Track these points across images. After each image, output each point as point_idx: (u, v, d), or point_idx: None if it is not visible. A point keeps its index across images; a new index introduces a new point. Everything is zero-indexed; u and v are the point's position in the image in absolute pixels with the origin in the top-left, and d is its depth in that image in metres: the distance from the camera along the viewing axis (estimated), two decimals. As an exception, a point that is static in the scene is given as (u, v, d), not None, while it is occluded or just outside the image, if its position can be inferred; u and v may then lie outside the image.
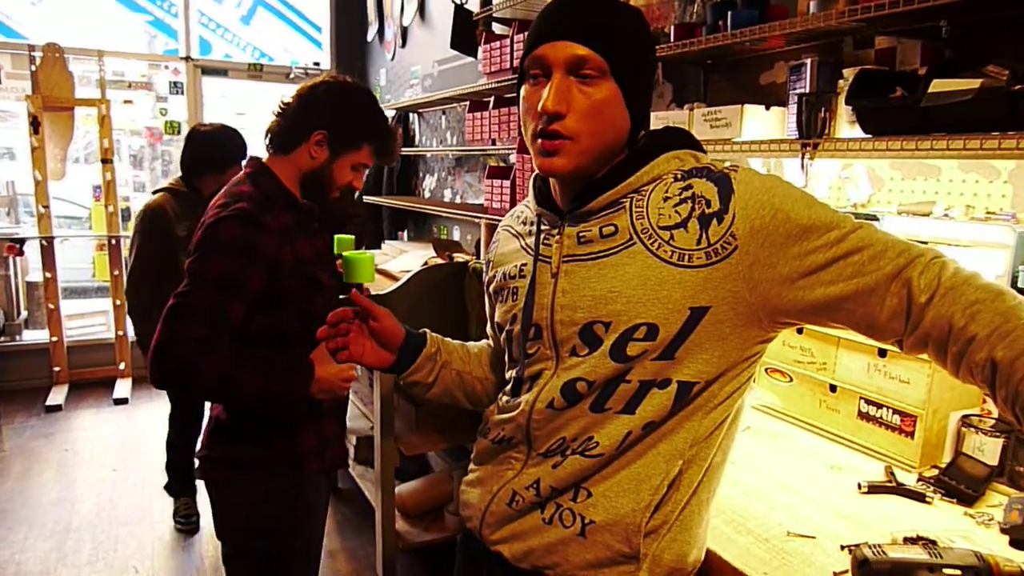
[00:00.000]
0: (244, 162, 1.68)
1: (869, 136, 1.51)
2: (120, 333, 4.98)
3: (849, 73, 1.59)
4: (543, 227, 1.06)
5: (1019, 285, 1.38)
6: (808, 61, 1.69)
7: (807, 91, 1.67)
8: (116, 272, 4.91)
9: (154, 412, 4.57)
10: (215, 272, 1.45)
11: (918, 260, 0.83)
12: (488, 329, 1.28)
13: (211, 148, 2.88)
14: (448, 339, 1.27)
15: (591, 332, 0.95)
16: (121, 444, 4.07)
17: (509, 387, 1.10)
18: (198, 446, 1.70)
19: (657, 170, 0.96)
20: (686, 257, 0.90)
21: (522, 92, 0.99)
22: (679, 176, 0.95)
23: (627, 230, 0.95)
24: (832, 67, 1.69)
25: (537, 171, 1.01)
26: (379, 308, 1.16)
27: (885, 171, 1.70)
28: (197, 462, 1.68)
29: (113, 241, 4.87)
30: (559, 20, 0.93)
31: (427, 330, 1.23)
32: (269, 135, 1.65)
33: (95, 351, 5.11)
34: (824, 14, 1.54)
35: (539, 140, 0.95)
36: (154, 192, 3.03)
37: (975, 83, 1.27)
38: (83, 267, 5.84)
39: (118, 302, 4.92)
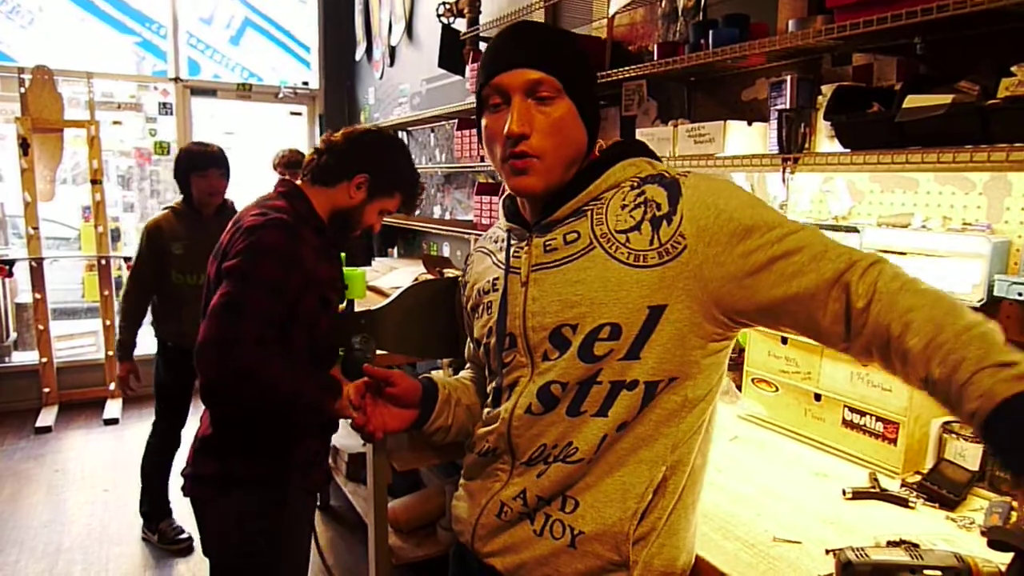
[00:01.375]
0: (277, 183, 1.76)
1: (848, 150, 1.55)
2: (110, 353, 4.95)
3: (828, 89, 1.64)
4: (513, 241, 1.11)
5: (995, 294, 1.42)
6: (788, 78, 1.74)
7: (787, 107, 1.72)
8: (106, 292, 4.90)
9: (144, 432, 4.52)
10: (266, 275, 1.48)
11: (858, 264, 0.86)
12: (468, 347, 1.31)
13: (188, 151, 2.99)
14: (445, 377, 1.29)
15: (560, 335, 0.99)
16: (112, 464, 4.04)
17: (490, 399, 1.13)
18: (184, 464, 1.70)
19: (614, 178, 1.02)
20: (641, 258, 0.95)
21: (484, 122, 1.04)
22: (635, 184, 1.00)
23: (588, 235, 1.00)
24: (811, 83, 1.74)
25: (510, 191, 1.07)
26: (393, 372, 1.19)
27: (865, 184, 1.74)
28: (182, 480, 1.68)
29: (103, 261, 4.87)
30: (512, 50, 1.00)
31: (431, 375, 1.25)
32: (310, 166, 1.74)
33: (85, 372, 5.09)
34: (803, 32, 1.58)
35: (508, 162, 1.00)
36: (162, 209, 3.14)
37: (947, 99, 1.32)
38: (72, 287, 5.82)
39: (108, 322, 4.90)
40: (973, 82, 1.35)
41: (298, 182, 1.76)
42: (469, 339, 1.28)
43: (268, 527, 1.64)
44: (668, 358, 0.95)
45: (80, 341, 5.36)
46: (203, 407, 1.67)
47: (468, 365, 1.35)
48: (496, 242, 1.18)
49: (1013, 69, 1.26)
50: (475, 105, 1.08)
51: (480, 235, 3.05)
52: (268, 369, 1.43)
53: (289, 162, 4.04)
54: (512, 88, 0.98)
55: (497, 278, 1.11)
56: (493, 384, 1.13)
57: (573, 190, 1.03)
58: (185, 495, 1.67)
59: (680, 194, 0.95)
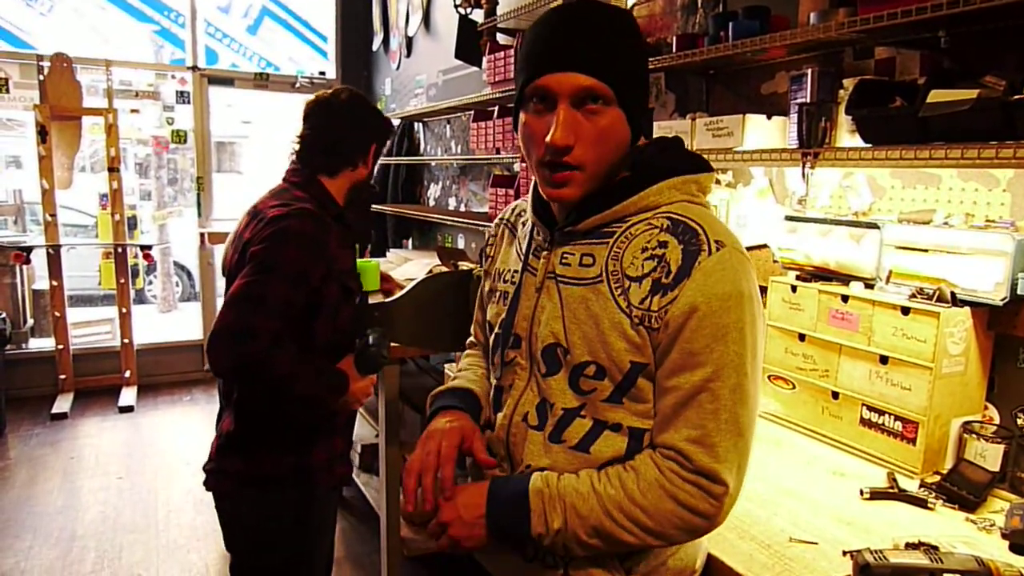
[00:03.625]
0: (286, 174, 1.76)
1: (869, 145, 1.52)
2: (126, 341, 5.00)
3: (849, 83, 1.61)
4: (536, 237, 1.07)
5: (1019, 292, 1.39)
6: (808, 71, 1.71)
7: (808, 101, 1.69)
8: (122, 280, 4.94)
9: (159, 420, 4.59)
10: (289, 263, 1.47)
11: (669, 452, 0.90)
12: (474, 324, 1.29)
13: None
14: (468, 387, 1.18)
15: (554, 353, 0.98)
16: (126, 452, 4.08)
17: (492, 395, 1.12)
18: (205, 459, 1.70)
19: (650, 200, 0.96)
20: (633, 313, 0.91)
21: (522, 118, 0.97)
22: (667, 226, 0.93)
23: (600, 267, 0.95)
24: (832, 77, 1.71)
25: (545, 198, 1.01)
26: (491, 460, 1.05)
27: (886, 180, 1.71)
28: (204, 475, 1.68)
29: (119, 249, 4.90)
30: (564, 49, 0.90)
31: (464, 396, 1.16)
32: (321, 159, 1.72)
33: (101, 359, 5.14)
34: (824, 25, 1.55)
35: (546, 171, 0.94)
36: None
37: (972, 93, 1.29)
38: (89, 275, 5.88)
39: (124, 310, 4.95)
40: (998, 77, 1.32)
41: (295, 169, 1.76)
42: (480, 318, 1.26)
43: (295, 524, 1.64)
44: (652, 408, 0.94)
45: (96, 328, 5.41)
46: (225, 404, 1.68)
47: (471, 349, 1.31)
48: (524, 225, 1.13)
49: (1042, 64, 1.23)
50: (514, 94, 0.99)
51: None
52: (279, 368, 1.43)
53: None
54: (560, 93, 0.90)
55: (516, 271, 1.08)
56: (494, 380, 1.11)
57: (604, 200, 0.97)
58: (208, 489, 1.66)
59: (688, 275, 0.89)
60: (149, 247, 5.22)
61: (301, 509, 1.64)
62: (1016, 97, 1.25)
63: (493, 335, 1.11)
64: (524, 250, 1.07)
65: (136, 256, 5.43)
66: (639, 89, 0.96)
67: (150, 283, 7.81)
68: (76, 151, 4.81)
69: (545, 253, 1.02)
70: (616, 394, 0.93)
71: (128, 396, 4.87)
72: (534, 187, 1.10)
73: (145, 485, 3.65)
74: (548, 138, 0.90)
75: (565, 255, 0.99)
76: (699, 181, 0.98)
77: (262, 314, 1.42)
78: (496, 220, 1.23)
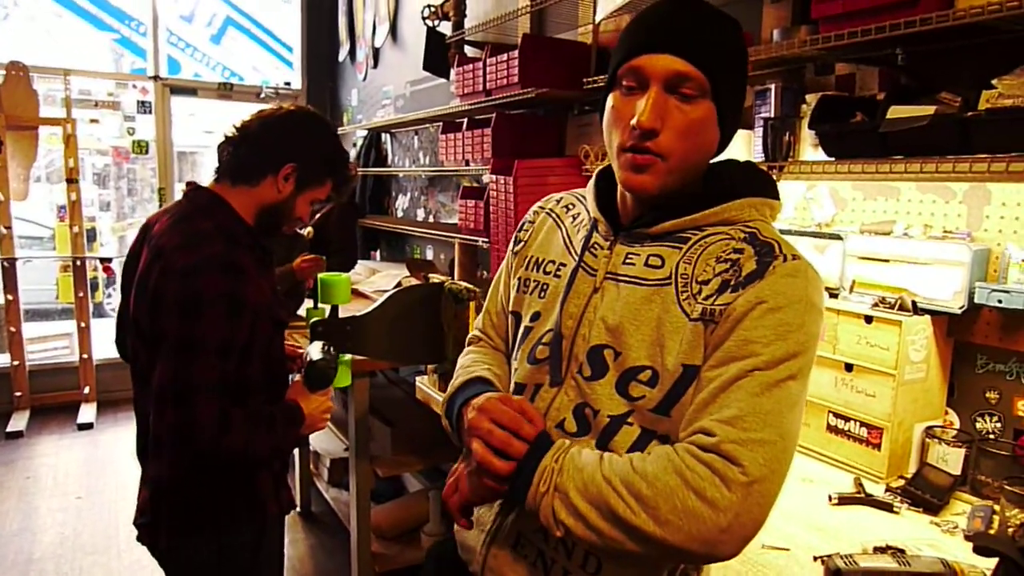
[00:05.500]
0: (187, 190, 1.55)
1: (832, 159, 1.57)
2: (85, 356, 4.87)
3: (812, 98, 1.66)
4: (595, 234, 1.02)
5: (976, 301, 1.44)
6: (772, 86, 1.76)
7: (772, 115, 1.74)
8: (81, 293, 4.82)
9: (120, 437, 4.48)
10: (214, 338, 1.35)
11: (705, 440, 0.80)
12: (484, 317, 1.21)
13: None
14: (490, 379, 1.09)
15: (600, 356, 0.93)
16: (86, 471, 3.97)
17: (512, 392, 1.05)
18: (135, 513, 1.57)
19: (729, 214, 0.93)
20: (695, 310, 0.87)
21: (610, 101, 0.94)
22: (746, 238, 0.90)
23: (670, 269, 0.91)
24: (795, 92, 1.76)
25: (620, 186, 0.97)
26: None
27: (847, 192, 1.76)
28: (137, 530, 1.55)
29: (78, 262, 4.79)
30: (663, 31, 0.88)
31: (491, 386, 1.07)
32: (226, 164, 1.54)
33: (58, 375, 5.00)
34: (787, 43, 1.60)
35: (628, 154, 0.90)
36: None
37: (930, 110, 1.34)
38: (46, 288, 5.71)
39: (82, 324, 4.82)
40: (954, 93, 1.37)
41: (208, 183, 1.56)
42: (498, 306, 1.18)
43: (248, 563, 1.55)
44: None
45: (54, 344, 5.27)
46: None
47: (476, 345, 1.20)
48: (575, 219, 1.07)
49: (994, 82, 1.28)
50: (606, 79, 0.95)
51: (465, 239, 3.04)
52: (233, 447, 1.36)
53: None
54: (652, 75, 0.87)
55: (564, 264, 1.03)
56: (515, 378, 1.05)
57: (680, 207, 0.93)
58: (145, 544, 1.53)
59: (761, 277, 0.85)
60: (109, 260, 5.10)
61: (253, 543, 1.55)
62: (971, 113, 1.30)
63: (523, 328, 1.05)
64: (579, 246, 1.02)
65: (95, 269, 5.30)
66: (735, 89, 0.93)
67: (109, 296, 7.63)
68: (33, 162, 4.69)
69: (606, 252, 0.98)
70: (664, 404, 0.88)
71: (87, 413, 4.75)
72: (595, 182, 1.07)
73: (105, 505, 3.56)
74: (634, 120, 0.87)
75: (629, 255, 0.95)
76: (772, 206, 0.96)
77: (199, 403, 1.32)
78: (535, 207, 1.17)
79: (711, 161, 0.99)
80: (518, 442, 0.89)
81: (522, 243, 1.14)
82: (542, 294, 1.04)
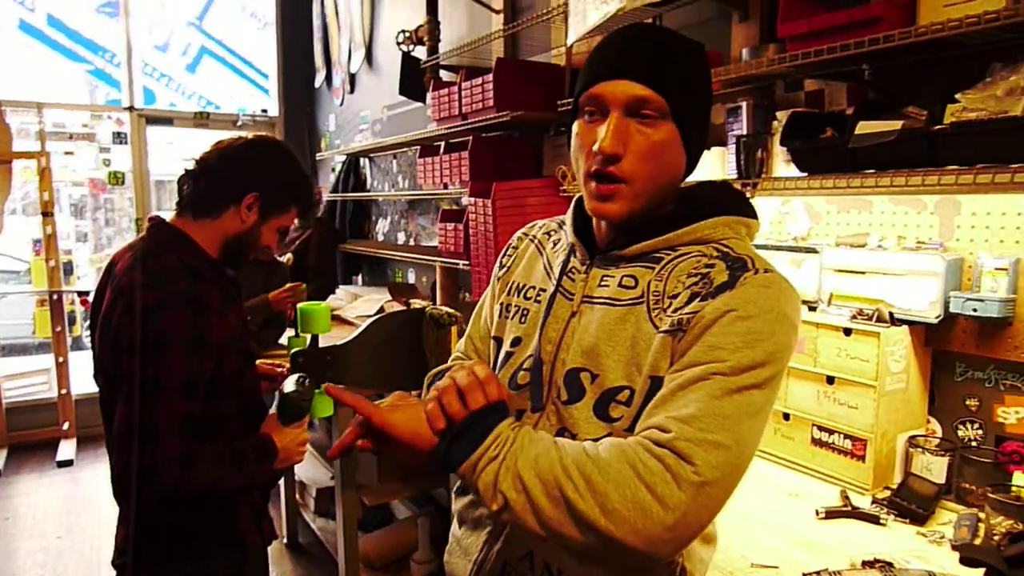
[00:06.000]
0: (149, 226, 1.53)
1: (804, 174, 1.59)
2: (63, 391, 4.79)
3: (782, 115, 1.68)
4: (572, 258, 1.02)
5: (951, 310, 1.46)
6: (743, 104, 1.78)
7: (744, 133, 1.76)
8: (58, 328, 4.74)
9: (100, 473, 4.40)
10: (178, 377, 1.33)
11: (660, 436, 0.78)
12: (467, 342, 1.20)
13: None
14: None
15: (577, 380, 0.93)
16: (66, 509, 3.89)
17: None
18: (113, 552, 1.52)
19: (701, 233, 0.93)
20: (664, 322, 0.87)
21: (575, 128, 0.95)
22: (718, 255, 0.90)
23: (642, 288, 0.92)
24: (766, 109, 1.78)
25: (589, 213, 0.97)
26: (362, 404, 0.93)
27: (822, 206, 1.78)
28: (116, 571, 1.51)
29: (55, 296, 4.72)
30: (618, 58, 0.90)
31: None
32: (187, 198, 1.52)
33: (37, 411, 4.90)
34: (756, 61, 1.62)
35: (593, 183, 0.92)
36: None
37: (897, 125, 1.36)
38: (23, 323, 5.63)
39: (60, 359, 4.75)
40: (920, 107, 1.40)
41: (169, 216, 1.54)
42: (481, 332, 1.17)
43: None
44: None
45: (31, 380, 5.17)
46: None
47: (460, 359, 1.20)
48: (555, 245, 1.09)
49: (957, 96, 1.31)
50: (569, 109, 0.97)
51: (446, 262, 3.03)
52: (201, 482, 1.34)
53: None
54: (612, 102, 0.89)
55: (544, 290, 1.04)
56: None
57: (653, 228, 0.94)
58: None
59: (731, 287, 0.85)
60: (87, 293, 5.04)
61: (235, 574, 1.53)
62: (937, 127, 1.33)
63: (504, 353, 1.05)
64: (557, 271, 1.03)
65: (73, 302, 5.23)
66: (697, 110, 0.94)
67: (88, 329, 7.53)
68: (7, 196, 4.63)
69: (582, 276, 0.99)
70: (637, 421, 0.86)
71: (67, 449, 4.65)
72: (574, 207, 1.07)
73: (87, 543, 3.48)
74: (596, 146, 0.88)
75: (604, 278, 0.96)
76: (748, 224, 0.96)
77: (160, 446, 1.30)
78: (519, 233, 1.18)
79: (687, 182, 0.99)
80: (479, 395, 0.85)
81: (505, 268, 1.15)
82: (523, 319, 1.04)
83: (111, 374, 1.40)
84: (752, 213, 0.98)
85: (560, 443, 0.82)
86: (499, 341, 1.09)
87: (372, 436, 0.91)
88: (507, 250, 1.17)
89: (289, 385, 1.52)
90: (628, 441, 0.80)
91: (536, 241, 1.13)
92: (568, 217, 1.08)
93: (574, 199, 1.09)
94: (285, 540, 3.44)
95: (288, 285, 2.64)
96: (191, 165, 1.53)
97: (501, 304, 1.11)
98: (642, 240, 0.94)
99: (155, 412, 1.31)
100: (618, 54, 0.91)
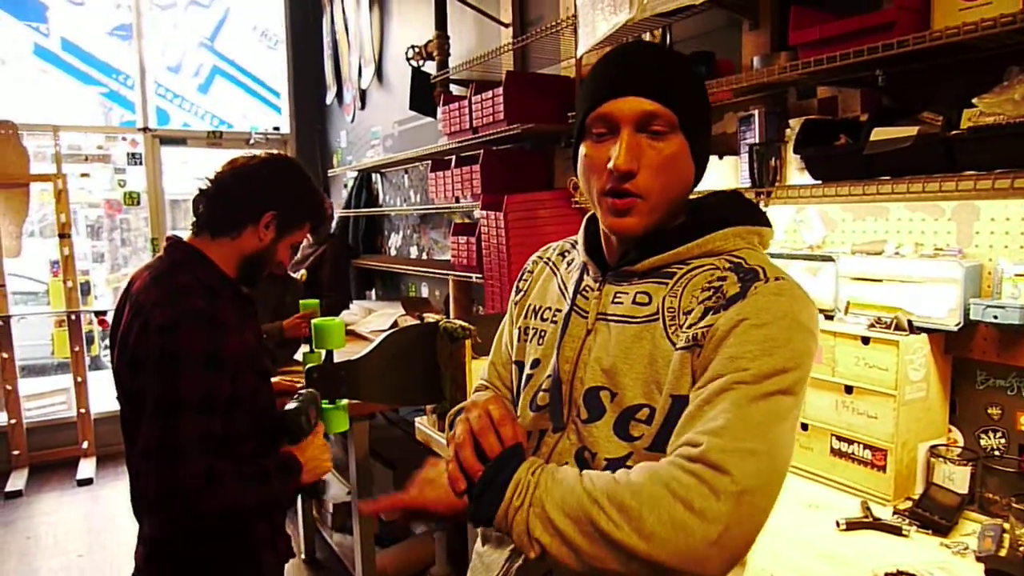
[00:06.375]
0: (166, 245, 1.55)
1: (818, 182, 1.57)
2: (82, 411, 4.83)
3: (795, 123, 1.67)
4: (586, 276, 1.03)
5: (972, 318, 1.43)
6: (756, 112, 1.77)
7: (757, 141, 1.75)
8: (77, 348, 4.79)
9: (121, 492, 4.42)
10: (196, 393, 1.34)
11: (692, 452, 0.77)
12: (490, 369, 1.20)
13: None
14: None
15: (596, 398, 0.93)
16: (87, 528, 3.91)
17: None
18: (133, 572, 1.53)
19: (713, 245, 0.93)
20: (681, 339, 0.87)
21: (583, 150, 0.95)
22: (731, 266, 0.90)
23: (657, 305, 0.92)
24: (779, 116, 1.77)
25: (606, 230, 0.98)
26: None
27: (837, 213, 1.77)
28: None
29: (73, 317, 4.77)
30: (625, 76, 0.91)
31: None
32: (204, 217, 1.54)
33: (56, 431, 4.94)
34: (768, 69, 1.62)
35: (608, 199, 0.92)
36: None
37: (912, 131, 1.35)
38: (41, 343, 5.68)
39: (79, 379, 4.79)
40: (936, 112, 1.38)
41: (185, 236, 1.56)
42: (503, 358, 1.17)
43: None
44: None
45: (51, 400, 5.22)
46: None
47: (484, 386, 1.20)
48: (569, 265, 1.09)
49: (974, 101, 1.29)
50: (574, 130, 0.97)
51: (459, 276, 3.03)
52: (225, 501, 1.34)
53: None
54: (622, 119, 0.89)
55: (559, 310, 1.04)
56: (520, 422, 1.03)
57: (664, 242, 0.94)
58: None
59: (743, 297, 0.85)
60: (104, 312, 5.08)
61: None
62: (954, 133, 1.31)
63: (525, 376, 1.05)
64: (571, 290, 1.03)
65: (91, 322, 5.28)
66: (702, 120, 0.95)
67: (106, 348, 7.60)
68: (25, 218, 4.70)
69: (595, 293, 0.98)
70: (659, 440, 0.86)
71: (87, 468, 4.69)
72: (585, 225, 1.08)
73: (108, 561, 3.50)
74: (611, 163, 0.89)
75: (618, 295, 0.96)
76: (761, 234, 0.96)
77: (184, 461, 1.31)
78: (534, 257, 1.19)
79: (697, 193, 0.99)
80: (493, 440, 0.87)
81: (522, 293, 1.16)
82: (540, 341, 1.04)
83: (130, 391, 1.42)
84: (764, 221, 0.98)
85: (587, 475, 0.81)
86: (520, 365, 1.09)
87: (413, 517, 0.95)
88: (522, 275, 1.18)
89: (290, 404, 1.56)
90: (660, 463, 0.79)
91: (551, 263, 1.14)
92: (580, 235, 1.08)
93: (585, 218, 1.09)
94: (303, 556, 3.44)
95: (301, 312, 2.62)
96: (205, 185, 1.55)
97: (519, 328, 1.11)
98: (653, 254, 0.94)
99: (176, 429, 1.32)
100: (622, 72, 0.91)
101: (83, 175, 5.35)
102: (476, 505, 0.84)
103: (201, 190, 1.55)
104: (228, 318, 1.44)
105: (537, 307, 1.09)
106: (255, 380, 1.51)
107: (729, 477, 0.73)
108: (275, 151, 1.66)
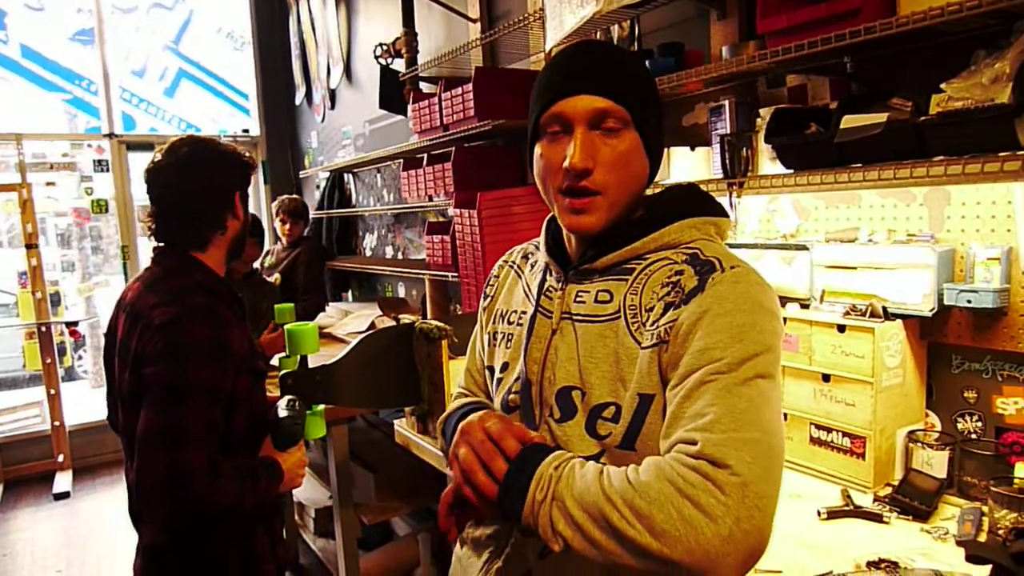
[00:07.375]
0: (154, 255, 1.56)
1: (790, 171, 1.57)
2: (57, 423, 4.73)
3: (766, 112, 1.67)
4: (548, 276, 1.03)
5: (945, 303, 1.44)
6: (726, 102, 1.77)
7: (728, 131, 1.74)
8: (49, 360, 4.69)
9: (99, 504, 4.35)
10: (198, 381, 1.34)
11: (688, 447, 0.77)
12: (466, 376, 1.20)
13: None
14: (485, 403, 1.12)
15: (568, 397, 0.93)
16: (65, 542, 3.84)
17: None
18: None
19: (669, 237, 0.94)
20: (644, 336, 0.88)
21: (538, 150, 0.96)
22: (688, 259, 0.91)
23: (618, 303, 0.92)
24: (749, 106, 1.77)
25: (565, 229, 0.98)
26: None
27: (810, 201, 1.77)
28: None
29: (43, 328, 4.67)
30: (576, 74, 0.92)
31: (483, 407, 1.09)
32: (183, 237, 1.53)
33: (31, 445, 4.84)
34: (736, 59, 1.61)
35: (566, 198, 0.92)
36: None
37: (882, 117, 1.35)
38: (12, 356, 5.57)
39: (52, 391, 4.69)
40: (905, 99, 1.38)
41: (155, 244, 1.56)
42: (477, 364, 1.17)
43: None
44: None
45: (23, 413, 5.12)
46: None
47: (463, 394, 1.20)
48: (533, 267, 1.10)
49: (942, 86, 1.29)
50: (529, 131, 0.98)
51: (434, 275, 3.00)
52: (225, 500, 1.33)
53: (291, 210, 3.96)
54: (575, 117, 0.90)
55: (525, 312, 1.04)
56: None
57: (622, 237, 0.95)
58: None
59: (702, 290, 0.85)
60: (75, 323, 4.99)
61: None
62: (924, 118, 1.31)
63: (495, 380, 1.06)
64: (535, 291, 1.04)
65: (62, 333, 5.18)
66: (653, 115, 0.95)
67: (79, 358, 7.47)
68: (-11, 229, 4.60)
69: (559, 293, 0.99)
70: (627, 438, 0.88)
71: (63, 481, 4.60)
72: (546, 226, 1.08)
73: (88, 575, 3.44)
74: (566, 162, 0.90)
75: (580, 293, 0.97)
76: (717, 224, 0.97)
77: (189, 450, 1.29)
78: (499, 262, 1.19)
79: (653, 188, 1.00)
80: (502, 454, 0.86)
81: (489, 298, 1.16)
82: (508, 344, 1.05)
83: (135, 394, 1.39)
84: (720, 212, 0.99)
85: (607, 471, 0.80)
86: (491, 369, 1.09)
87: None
88: (490, 280, 1.19)
89: (282, 411, 1.52)
90: (665, 459, 0.78)
91: (515, 266, 1.14)
92: (540, 239, 1.09)
93: (546, 219, 1.09)
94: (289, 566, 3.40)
95: (276, 317, 2.57)
96: (148, 214, 1.55)
97: (489, 333, 1.12)
98: (612, 251, 0.95)
99: (179, 417, 1.31)
100: (573, 71, 0.92)
101: (49, 184, 5.25)
102: (501, 504, 0.84)
103: (150, 215, 1.55)
104: (227, 315, 1.46)
105: (504, 311, 1.10)
106: (251, 380, 1.52)
107: (728, 469, 0.73)
108: (173, 139, 1.61)
